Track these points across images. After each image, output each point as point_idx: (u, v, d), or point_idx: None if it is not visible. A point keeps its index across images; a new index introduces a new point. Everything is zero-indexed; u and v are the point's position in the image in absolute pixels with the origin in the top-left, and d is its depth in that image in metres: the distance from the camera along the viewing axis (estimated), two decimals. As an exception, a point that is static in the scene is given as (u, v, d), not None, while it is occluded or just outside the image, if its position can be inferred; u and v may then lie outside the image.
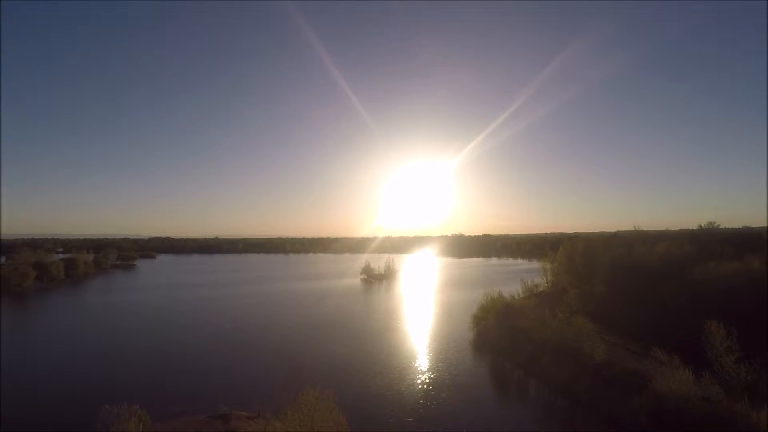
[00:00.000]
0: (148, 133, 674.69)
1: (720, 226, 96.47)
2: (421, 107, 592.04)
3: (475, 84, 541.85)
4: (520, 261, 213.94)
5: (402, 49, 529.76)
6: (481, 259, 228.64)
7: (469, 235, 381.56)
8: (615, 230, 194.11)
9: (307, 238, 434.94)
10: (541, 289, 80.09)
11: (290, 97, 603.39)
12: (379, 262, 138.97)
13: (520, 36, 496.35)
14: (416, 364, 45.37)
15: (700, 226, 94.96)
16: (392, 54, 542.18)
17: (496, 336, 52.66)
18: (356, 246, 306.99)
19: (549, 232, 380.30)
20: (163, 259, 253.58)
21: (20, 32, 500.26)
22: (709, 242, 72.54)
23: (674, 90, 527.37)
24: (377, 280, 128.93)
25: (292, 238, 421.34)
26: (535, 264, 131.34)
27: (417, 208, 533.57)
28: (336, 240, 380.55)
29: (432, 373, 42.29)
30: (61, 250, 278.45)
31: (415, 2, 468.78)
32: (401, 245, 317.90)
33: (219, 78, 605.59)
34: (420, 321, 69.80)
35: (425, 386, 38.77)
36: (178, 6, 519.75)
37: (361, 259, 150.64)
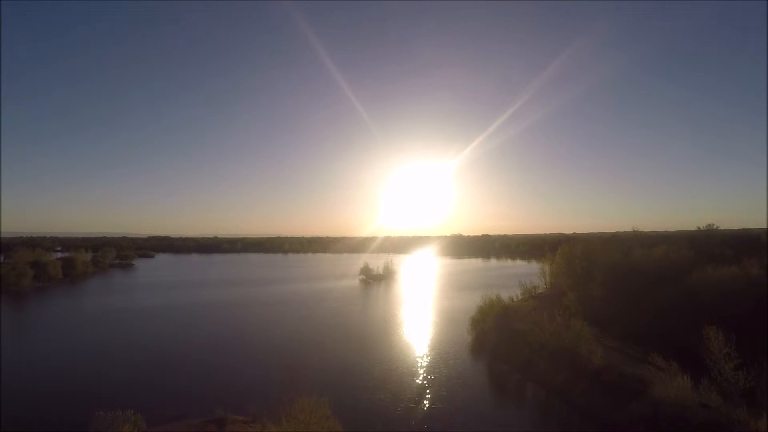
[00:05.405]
0: (148, 133, 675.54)
1: (719, 228, 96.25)
2: (421, 108, 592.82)
3: (475, 84, 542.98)
4: (518, 262, 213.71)
5: (402, 49, 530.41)
6: (479, 260, 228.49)
7: (468, 236, 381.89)
8: (614, 231, 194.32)
9: (306, 238, 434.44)
10: (539, 291, 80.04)
11: (290, 98, 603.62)
12: (378, 263, 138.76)
13: (520, 36, 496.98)
14: (413, 368, 45.22)
15: (699, 227, 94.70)
16: (392, 54, 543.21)
17: (494, 339, 52.52)
18: (356, 246, 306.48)
19: (548, 232, 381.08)
20: (161, 258, 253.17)
21: (20, 32, 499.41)
22: (708, 244, 72.41)
23: (674, 91, 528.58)
24: (376, 280, 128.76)
25: (291, 238, 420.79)
26: (534, 265, 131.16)
27: (417, 209, 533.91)
28: (335, 240, 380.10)
29: (430, 376, 42.15)
30: (59, 248, 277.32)
31: (415, 2, 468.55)
32: (400, 245, 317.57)
33: (219, 78, 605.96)
34: (418, 323, 69.61)
35: (422, 389, 38.63)
36: (177, 6, 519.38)
37: (361, 260, 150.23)
